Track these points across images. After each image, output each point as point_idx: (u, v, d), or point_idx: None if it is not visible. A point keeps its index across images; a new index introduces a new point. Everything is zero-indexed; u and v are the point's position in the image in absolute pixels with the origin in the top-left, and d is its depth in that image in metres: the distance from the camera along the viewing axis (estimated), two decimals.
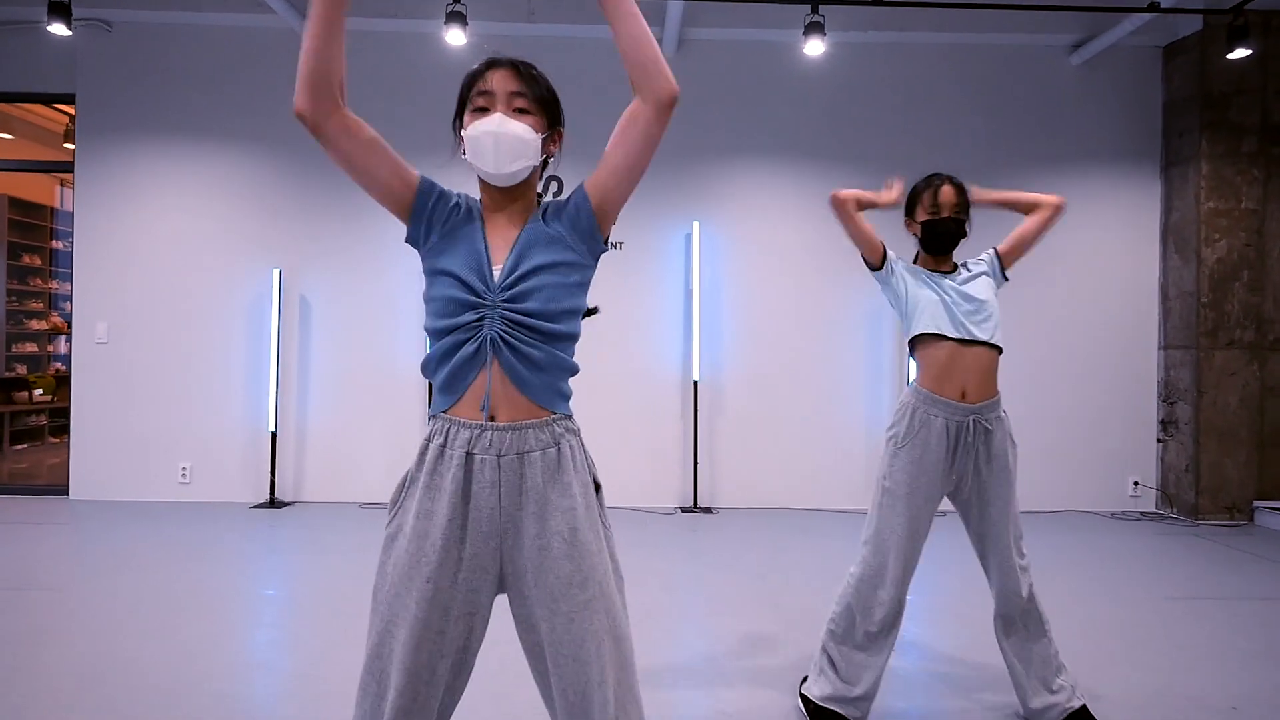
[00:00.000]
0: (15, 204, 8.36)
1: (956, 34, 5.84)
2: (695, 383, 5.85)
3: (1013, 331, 5.89)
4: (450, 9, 4.77)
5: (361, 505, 5.78)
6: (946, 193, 2.47)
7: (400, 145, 5.23)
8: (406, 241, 1.54)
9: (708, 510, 5.81)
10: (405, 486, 1.45)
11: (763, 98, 6.00)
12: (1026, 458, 5.99)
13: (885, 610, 2.38)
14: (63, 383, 8.69)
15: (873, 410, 5.95)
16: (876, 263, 2.55)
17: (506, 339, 1.41)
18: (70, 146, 6.73)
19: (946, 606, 3.78)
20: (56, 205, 9.06)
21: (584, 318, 1.76)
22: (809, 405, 5.97)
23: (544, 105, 1.53)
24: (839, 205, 2.52)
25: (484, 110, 1.49)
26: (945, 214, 2.46)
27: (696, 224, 5.89)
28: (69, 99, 5.92)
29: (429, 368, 1.46)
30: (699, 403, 5.88)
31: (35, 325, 8.86)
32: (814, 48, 5.00)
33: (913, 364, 2.59)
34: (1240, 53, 4.96)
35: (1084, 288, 6.06)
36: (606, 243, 1.54)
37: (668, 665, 2.98)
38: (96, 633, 3.22)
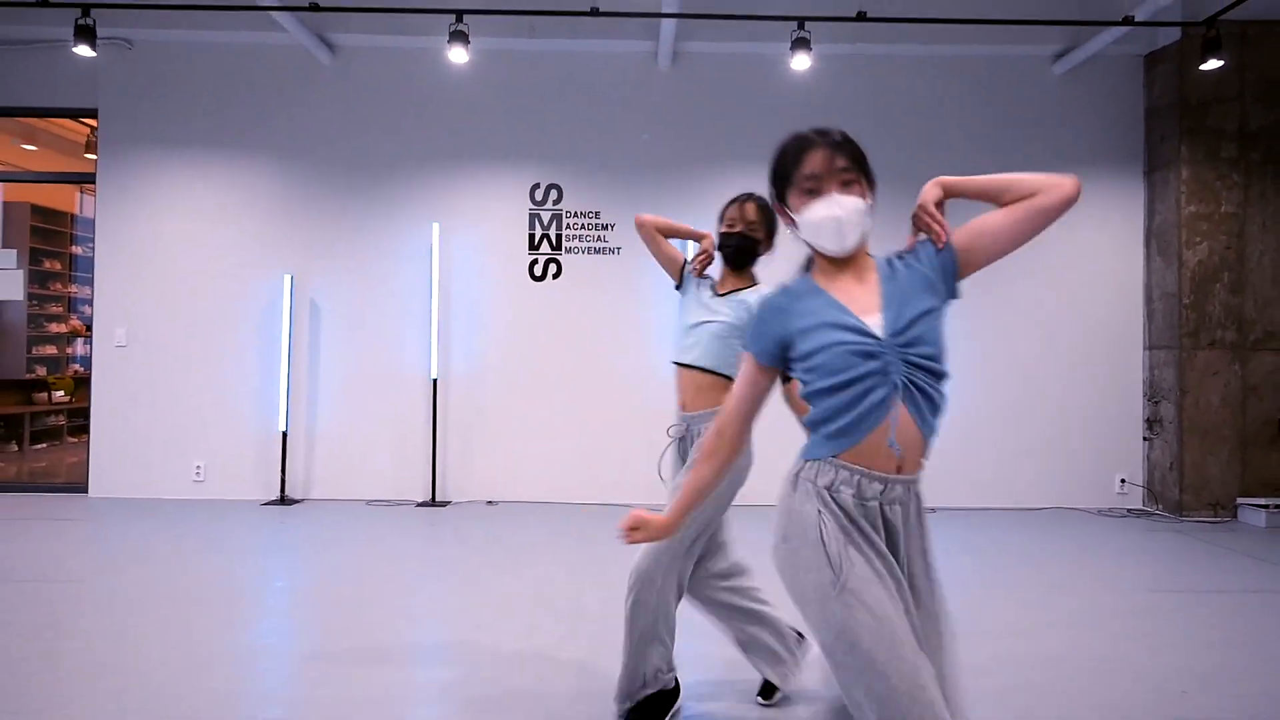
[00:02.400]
0: (37, 211, 8.64)
1: (942, 45, 6.03)
2: None
3: (1003, 333, 6.11)
4: (453, 28, 4.99)
5: (368, 503, 6.00)
6: (748, 209, 2.58)
7: (404, 154, 5.51)
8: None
9: None
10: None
11: (754, 107, 6.20)
12: (1015, 456, 6.20)
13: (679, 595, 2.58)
14: (81, 384, 8.97)
15: None
16: (678, 280, 2.76)
17: (913, 381, 1.49)
18: (91, 157, 6.98)
19: None
20: (76, 212, 9.34)
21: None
22: None
23: (861, 166, 1.60)
24: (640, 228, 2.74)
25: (814, 192, 1.57)
26: (738, 229, 2.57)
27: None
28: (92, 113, 6.19)
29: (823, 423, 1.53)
30: None
31: (55, 328, 9.14)
32: (800, 62, 5.20)
33: None
34: (1213, 64, 5.13)
35: (1071, 290, 6.23)
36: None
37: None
38: (116, 621, 3.45)
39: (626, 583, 2.45)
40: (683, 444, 2.61)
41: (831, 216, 1.55)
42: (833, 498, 1.51)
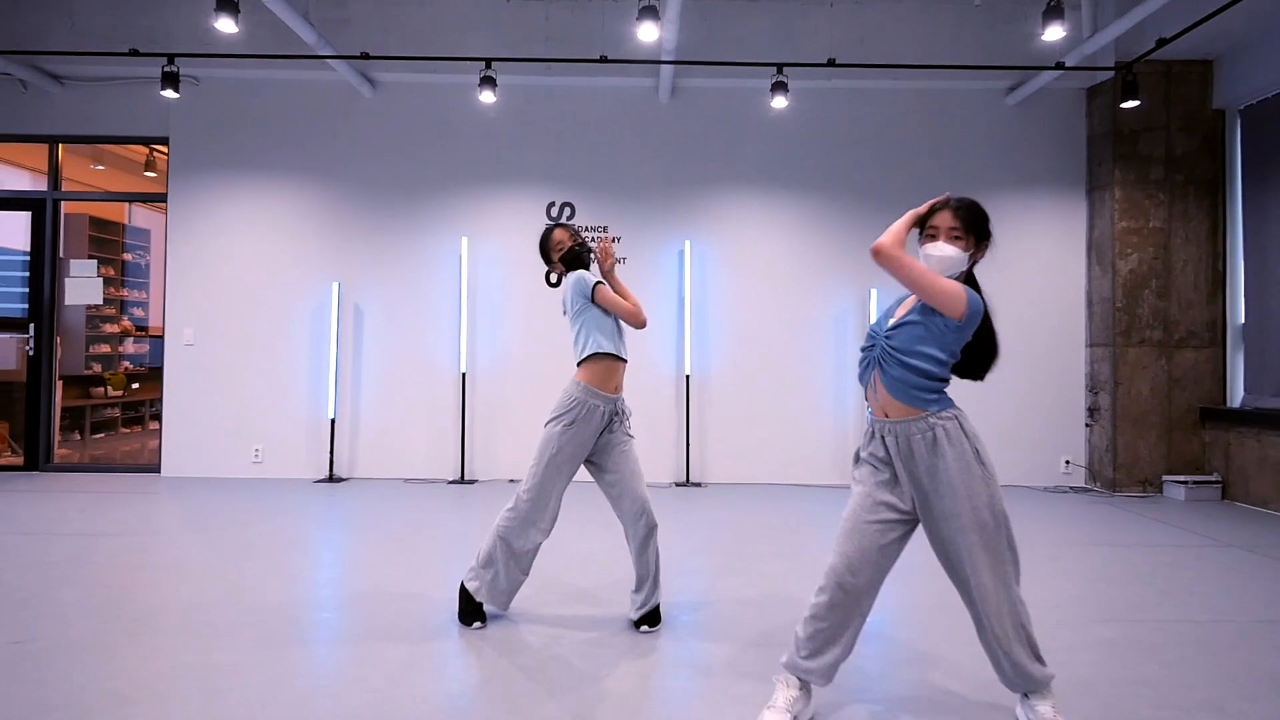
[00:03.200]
0: (93, 222, 9.52)
1: (908, 80, 6.90)
2: (687, 377, 6.92)
3: None
4: (483, 74, 5.86)
5: (405, 480, 6.88)
6: (559, 234, 3.50)
7: (436, 176, 6.50)
8: None
9: (698, 484, 6.88)
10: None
11: (743, 135, 7.08)
12: None
13: (540, 539, 3.33)
14: (132, 379, 9.85)
15: (838, 400, 7.01)
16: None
17: (882, 360, 2.47)
18: (151, 175, 7.85)
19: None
20: (127, 222, 10.21)
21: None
22: (784, 395, 7.03)
23: (971, 230, 2.44)
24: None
25: (932, 237, 2.46)
26: (570, 245, 3.49)
27: (688, 242, 6.98)
28: (163, 141, 7.06)
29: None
30: (690, 393, 6.95)
31: (109, 328, 10.00)
32: (779, 103, 6.06)
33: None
34: (1131, 104, 5.99)
35: (1024, 295, 7.08)
36: None
37: (669, 586, 4.03)
38: (200, 567, 4.29)
39: (649, 524, 3.34)
40: (602, 418, 3.32)
41: (931, 255, 2.45)
42: (869, 426, 2.57)
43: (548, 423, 3.34)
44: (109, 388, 9.55)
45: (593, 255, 3.53)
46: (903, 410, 2.44)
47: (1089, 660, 3.08)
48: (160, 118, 6.99)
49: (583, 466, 3.43)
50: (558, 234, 3.51)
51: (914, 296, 2.50)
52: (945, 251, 2.43)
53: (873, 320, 6.40)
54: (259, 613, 3.50)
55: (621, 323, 3.43)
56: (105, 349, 9.91)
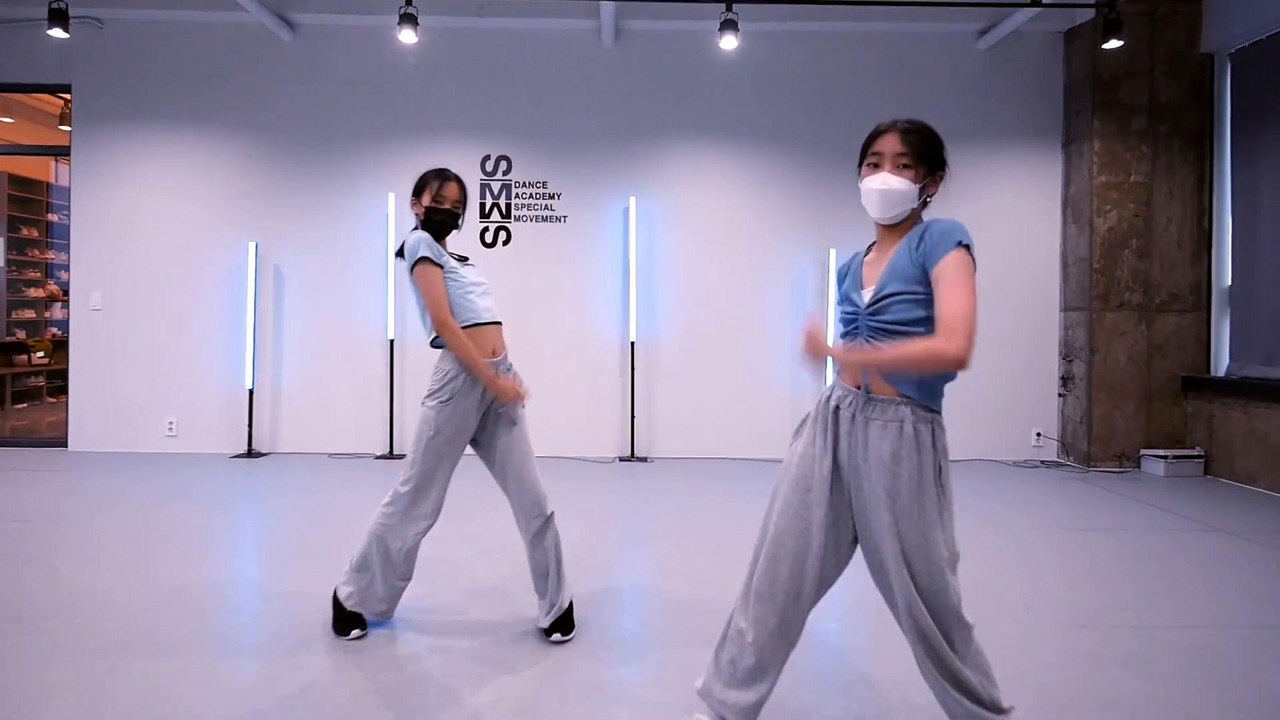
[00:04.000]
0: (14, 180, 8.93)
1: (871, 23, 6.36)
2: (633, 344, 6.44)
3: None
4: (403, 10, 5.30)
5: (330, 455, 6.40)
6: (456, 189, 2.92)
7: (361, 127, 5.88)
8: None
9: (643, 459, 6.43)
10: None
11: (694, 83, 6.54)
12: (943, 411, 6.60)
13: (420, 536, 2.88)
14: (59, 346, 9.31)
15: (795, 369, 6.55)
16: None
17: (871, 338, 1.91)
18: (66, 129, 7.26)
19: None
20: (52, 181, 9.62)
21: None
22: (736, 364, 6.56)
23: (923, 158, 1.90)
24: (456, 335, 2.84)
25: (875, 167, 1.92)
26: (446, 205, 2.89)
27: (633, 198, 6.46)
28: (66, 89, 6.48)
29: None
30: (636, 362, 6.47)
31: (33, 293, 9.46)
32: (729, 43, 5.53)
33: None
34: (1114, 44, 5.48)
35: (994, 255, 6.59)
36: None
37: (599, 580, 3.59)
38: (99, 556, 3.84)
39: (543, 512, 2.90)
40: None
41: (873, 189, 1.91)
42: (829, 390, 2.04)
43: (423, 402, 2.88)
44: (33, 355, 9.01)
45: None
46: (887, 388, 1.92)
47: (1065, 678, 2.63)
48: (62, 64, 6.40)
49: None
50: (450, 188, 2.90)
51: (881, 251, 2.00)
52: (889, 184, 1.89)
53: (833, 286, 5.90)
54: (109, 618, 3.03)
55: (480, 280, 2.97)
56: (30, 314, 9.37)
